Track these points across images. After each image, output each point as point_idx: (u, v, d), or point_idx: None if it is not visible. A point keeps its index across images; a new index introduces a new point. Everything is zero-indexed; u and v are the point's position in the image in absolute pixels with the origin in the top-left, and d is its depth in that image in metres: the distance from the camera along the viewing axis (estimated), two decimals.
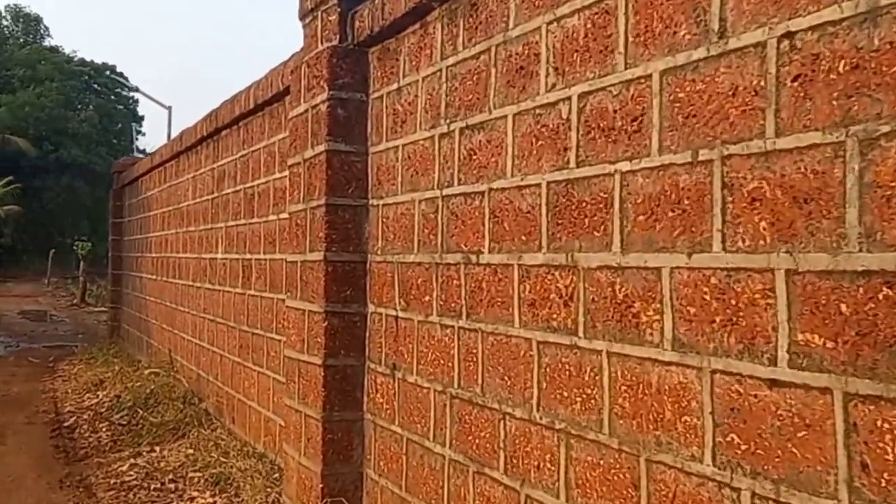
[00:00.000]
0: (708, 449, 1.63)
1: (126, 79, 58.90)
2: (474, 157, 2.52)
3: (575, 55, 2.08)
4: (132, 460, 4.88)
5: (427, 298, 2.79)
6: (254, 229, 4.96)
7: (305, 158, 3.44)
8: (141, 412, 5.93)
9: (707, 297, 1.65)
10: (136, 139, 58.11)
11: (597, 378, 1.96)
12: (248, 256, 5.07)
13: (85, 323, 16.55)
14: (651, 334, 1.80)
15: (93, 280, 25.11)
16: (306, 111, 3.45)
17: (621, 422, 1.87)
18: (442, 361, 2.68)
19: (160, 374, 7.02)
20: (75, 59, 55.88)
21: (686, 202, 1.72)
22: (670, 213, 1.76)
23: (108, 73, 57.71)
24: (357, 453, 3.25)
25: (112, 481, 4.54)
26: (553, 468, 2.11)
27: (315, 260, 3.30)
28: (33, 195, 46.08)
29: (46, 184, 47.91)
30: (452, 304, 2.63)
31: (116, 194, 10.77)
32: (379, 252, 3.15)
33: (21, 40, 56.57)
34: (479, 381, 2.46)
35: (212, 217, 5.96)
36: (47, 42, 57.97)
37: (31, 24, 58.14)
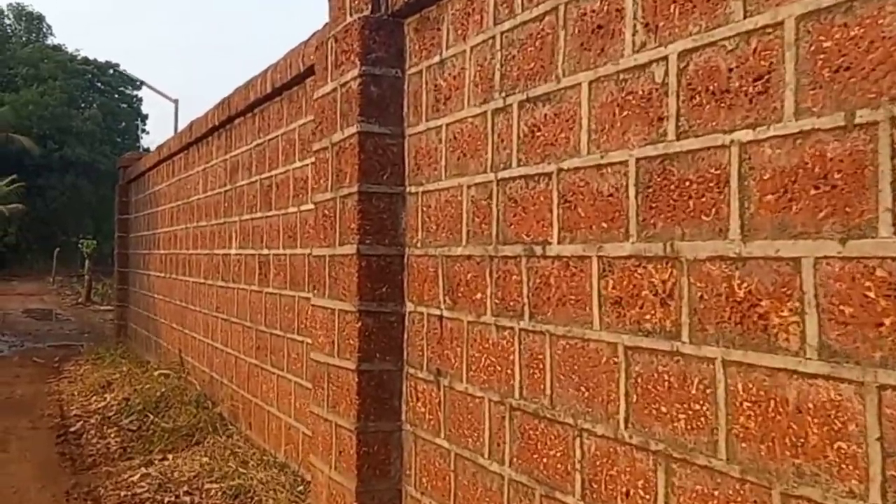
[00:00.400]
0: (875, 484, 1.30)
1: (130, 77, 58.76)
2: (538, 134, 2.20)
3: (672, 7, 1.75)
4: (143, 469, 4.56)
5: (479, 296, 2.47)
6: (271, 223, 4.64)
7: (334, 142, 3.12)
8: (151, 416, 5.62)
9: (871, 294, 1.32)
10: (141, 137, 58.04)
11: (708, 391, 1.63)
12: (265, 252, 4.75)
13: (91, 322, 16.27)
14: (786, 340, 1.47)
15: (98, 278, 24.83)
16: (334, 90, 3.13)
17: (744, 445, 1.55)
18: (499, 368, 2.36)
19: (170, 375, 6.71)
20: (78, 57, 55.68)
21: (837, 176, 1.39)
22: (813, 191, 1.43)
23: (111, 70, 57.47)
24: (395, 468, 2.93)
25: (122, 493, 4.23)
26: (648, 497, 1.78)
27: (346, 254, 2.98)
28: (37, 194, 45.86)
29: (50, 182, 47.70)
30: (511, 303, 2.30)
31: (122, 190, 10.46)
32: (419, 245, 2.83)
33: (24, 39, 56.36)
34: (548, 392, 2.13)
35: (225, 211, 5.64)
36: (50, 40, 57.77)
37: (34, 23, 57.93)
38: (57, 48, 55.59)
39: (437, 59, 2.73)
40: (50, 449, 5.41)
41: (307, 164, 4.10)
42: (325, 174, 3.20)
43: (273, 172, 4.64)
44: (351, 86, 2.98)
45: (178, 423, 5.32)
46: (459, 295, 2.57)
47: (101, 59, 57.38)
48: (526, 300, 2.24)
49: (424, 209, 2.80)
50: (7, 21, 56.22)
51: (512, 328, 2.30)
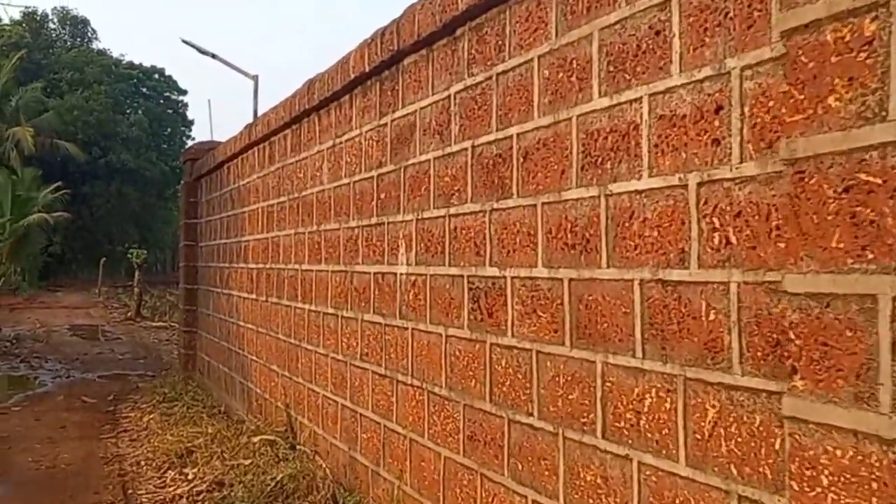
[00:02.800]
0: None
1: (175, 82, 57.66)
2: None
3: None
4: None
5: None
6: (505, 220, 2.57)
7: None
8: None
9: None
10: (186, 143, 56.81)
11: None
12: (487, 273, 2.68)
13: (144, 343, 14.39)
14: None
15: (145, 290, 23.00)
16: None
17: None
18: None
19: (278, 444, 4.66)
20: (123, 61, 54.67)
21: None
22: None
23: (157, 76, 56.40)
24: None
25: None
26: None
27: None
28: (82, 201, 44.66)
29: (95, 190, 46.52)
30: None
31: (189, 189, 8.49)
32: None
33: (68, 43, 55.49)
34: None
35: (379, 206, 3.60)
36: (95, 45, 56.85)
37: (79, 28, 57.06)
38: (102, 53, 54.61)
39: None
40: None
41: (618, 105, 2.04)
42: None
43: (511, 131, 2.56)
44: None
45: None
46: None
47: (147, 63, 56.28)
48: None
49: None
50: (52, 25, 55.36)
51: None
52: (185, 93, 58.03)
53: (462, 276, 2.89)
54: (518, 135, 2.55)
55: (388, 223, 3.54)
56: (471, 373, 2.82)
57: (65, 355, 12.17)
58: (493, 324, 2.68)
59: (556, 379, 2.32)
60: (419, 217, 3.24)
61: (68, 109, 46.25)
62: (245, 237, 6.28)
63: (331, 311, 4.28)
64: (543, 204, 2.40)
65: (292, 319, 4.99)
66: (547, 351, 2.38)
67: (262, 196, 5.80)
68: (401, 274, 3.40)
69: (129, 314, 20.81)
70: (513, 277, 2.57)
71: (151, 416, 6.64)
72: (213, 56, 13.15)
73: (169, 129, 55.06)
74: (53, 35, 55.80)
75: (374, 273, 3.68)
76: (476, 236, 2.80)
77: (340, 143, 4.18)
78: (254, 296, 5.98)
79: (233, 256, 6.72)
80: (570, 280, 2.27)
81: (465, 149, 2.88)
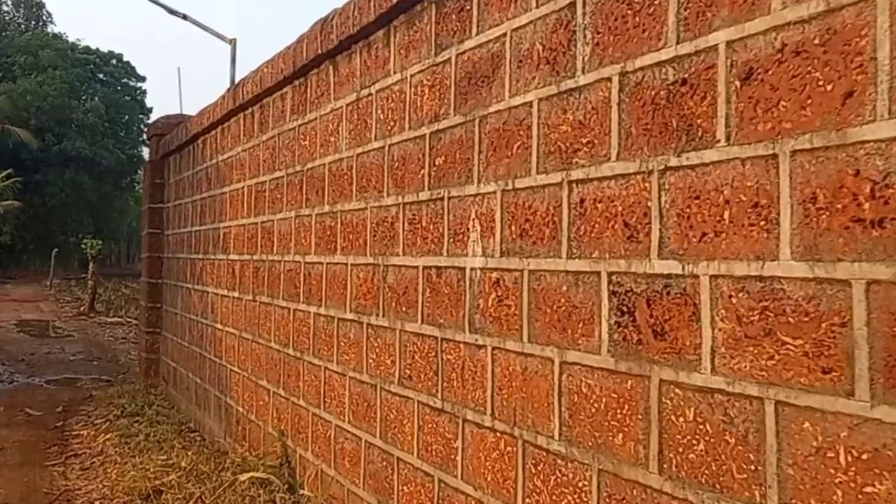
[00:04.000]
0: None
1: (133, 68, 55.80)
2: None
3: None
4: None
5: None
6: (695, 185, 1.58)
7: None
8: None
9: None
10: (144, 131, 54.91)
11: None
12: (655, 268, 1.68)
13: (98, 341, 13.14)
14: None
15: (99, 282, 21.57)
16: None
17: None
18: None
19: (273, 486, 3.62)
20: (80, 46, 52.71)
21: None
22: None
23: (114, 61, 54.56)
24: None
25: None
26: None
27: None
28: (34, 190, 42.78)
29: (48, 178, 44.64)
30: None
31: (154, 169, 7.35)
32: None
33: (22, 27, 53.36)
34: None
35: (436, 176, 2.60)
36: (50, 29, 54.78)
37: (33, 11, 55.02)
38: (57, 36, 52.59)
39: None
40: None
41: None
42: None
43: (713, 39, 1.56)
44: None
45: None
46: None
47: (104, 48, 54.28)
48: None
49: None
50: (5, 8, 53.23)
51: None
52: (143, 79, 56.30)
53: (598, 272, 1.88)
54: (732, 43, 1.54)
55: (451, 198, 2.52)
56: (615, 423, 1.81)
57: (9, 355, 10.91)
58: (668, 350, 1.67)
59: (826, 452, 1.33)
60: (508, 187, 2.23)
61: (21, 94, 44.31)
62: (225, 223, 5.20)
63: (350, 316, 3.24)
64: (797, 152, 1.40)
65: (291, 325, 3.94)
66: (802, 403, 1.38)
67: (248, 172, 4.73)
68: (473, 269, 2.39)
69: (81, 308, 19.43)
70: (714, 276, 1.56)
71: (108, 436, 5.52)
72: (185, 17, 11.94)
73: (126, 117, 53.20)
74: (7, 17, 53.64)
75: (425, 267, 2.66)
76: (626, 211, 1.80)
77: (368, 95, 3.14)
78: (236, 293, 4.91)
79: (208, 246, 5.63)
80: (869, 283, 1.28)
81: (606, 78, 1.87)
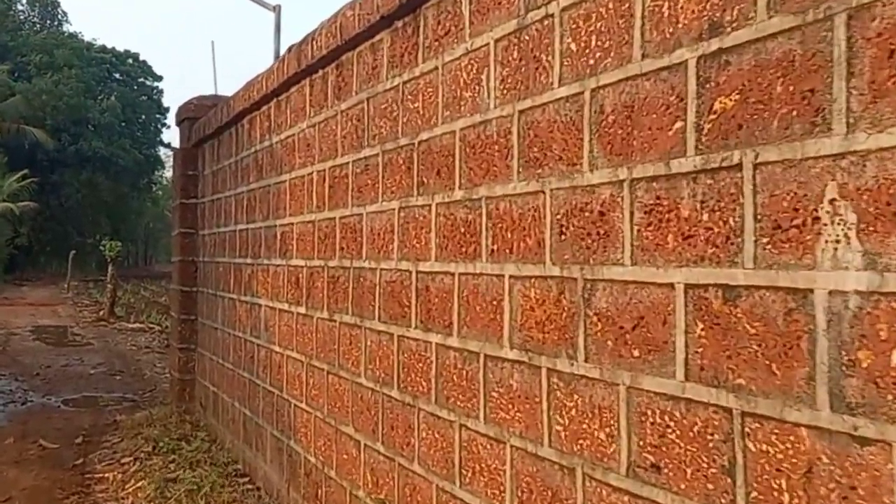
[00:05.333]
0: None
1: (150, 67, 55.08)
2: None
3: None
4: None
5: None
6: None
7: None
8: None
9: None
10: (161, 131, 54.22)
11: None
12: None
13: (120, 351, 12.12)
14: None
15: (118, 286, 20.59)
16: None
17: None
18: None
19: None
20: (95, 45, 52.03)
21: None
22: None
23: (130, 60, 53.86)
24: None
25: None
26: None
27: None
28: (51, 191, 41.97)
29: (65, 178, 43.85)
30: None
31: (186, 158, 6.30)
32: None
33: (37, 26, 52.71)
34: None
35: (711, 131, 1.46)
36: (66, 28, 54.11)
37: (48, 10, 54.32)
38: (72, 36, 51.92)
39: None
40: None
41: None
42: None
43: None
44: None
45: None
46: None
47: (120, 48, 53.61)
48: None
49: None
50: (20, 7, 52.53)
51: None
52: (159, 79, 55.53)
53: None
54: None
55: (765, 164, 1.41)
56: None
57: (24, 368, 9.92)
58: None
59: None
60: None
61: (37, 94, 43.56)
62: (284, 219, 4.13)
63: (510, 354, 2.15)
64: None
65: (395, 357, 2.86)
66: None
67: (319, 153, 3.65)
68: (839, 293, 1.28)
69: (101, 313, 18.45)
70: None
71: (139, 483, 4.47)
72: None
73: (143, 117, 52.50)
74: (22, 17, 52.95)
75: (693, 286, 1.56)
76: None
77: (543, 18, 2.05)
78: (301, 309, 3.83)
79: (258, 248, 4.57)
80: None
81: None
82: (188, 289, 6.25)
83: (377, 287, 3.03)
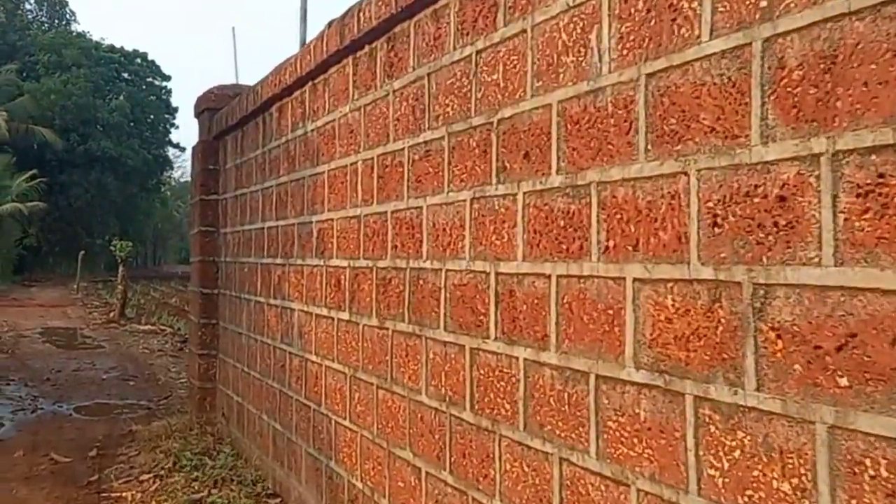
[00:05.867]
0: None
1: (158, 67, 54.78)
2: None
3: None
4: None
5: None
6: None
7: None
8: None
9: None
10: (170, 132, 53.93)
11: None
12: None
13: (132, 353, 11.74)
14: None
15: (128, 286, 20.20)
16: None
17: None
18: None
19: None
20: (104, 44, 51.75)
21: None
22: None
23: (139, 60, 53.55)
24: None
25: None
26: None
27: None
28: (59, 191, 41.69)
29: (74, 179, 43.56)
30: None
31: (205, 151, 5.90)
32: None
33: (45, 25, 52.49)
34: None
35: None
36: (74, 27, 53.87)
37: (56, 9, 54.08)
38: (80, 35, 51.65)
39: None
40: None
41: None
42: None
43: None
44: None
45: None
46: None
47: (133, 45, 53.33)
48: None
49: None
50: (28, 6, 52.34)
51: None
52: (168, 78, 55.21)
53: None
54: None
55: None
56: None
57: (33, 373, 9.54)
58: None
59: None
60: None
61: (45, 93, 43.33)
62: (321, 215, 3.71)
63: (637, 376, 1.75)
64: None
65: (466, 372, 2.44)
66: None
67: (365, 140, 3.24)
68: None
69: (111, 315, 18.09)
70: None
71: (159, 496, 4.05)
72: None
73: (152, 117, 52.19)
74: (30, 16, 52.74)
75: None
76: None
77: None
78: (343, 314, 3.42)
79: (289, 247, 4.16)
80: None
81: None
82: (209, 291, 5.84)
83: (442, 291, 2.61)
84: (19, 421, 6.75)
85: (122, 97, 47.75)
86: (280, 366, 4.32)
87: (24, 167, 36.64)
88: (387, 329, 3.02)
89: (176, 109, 53.78)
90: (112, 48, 52.24)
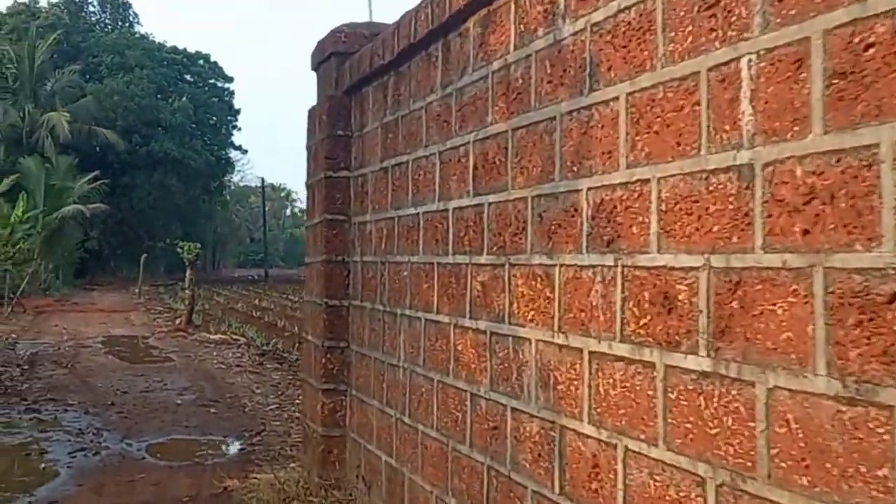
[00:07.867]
0: None
1: (221, 69, 54.13)
2: None
3: None
4: None
5: None
6: None
7: None
8: None
9: None
10: (233, 134, 53.19)
11: None
12: None
13: (206, 369, 10.23)
14: None
15: (195, 291, 18.86)
16: None
17: None
18: None
19: None
20: (167, 46, 51.30)
21: None
22: None
23: (201, 62, 52.95)
24: None
25: None
26: None
27: None
28: (121, 193, 40.98)
29: (136, 181, 42.88)
30: None
31: (333, 111, 4.29)
32: None
33: (109, 27, 52.23)
34: None
35: None
36: (137, 29, 53.54)
37: (120, 11, 53.80)
38: (143, 37, 51.26)
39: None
40: None
41: None
42: None
43: None
44: None
45: None
46: None
47: (191, 48, 52.84)
48: None
49: None
50: (92, 8, 52.10)
51: None
52: (230, 80, 54.50)
53: None
54: None
55: None
56: None
57: (95, 395, 8.09)
58: None
59: None
60: None
61: (108, 94, 42.82)
62: (600, 177, 2.03)
63: None
64: None
65: None
66: None
67: (721, 33, 1.52)
68: None
69: (178, 322, 16.76)
70: None
71: None
72: None
73: (214, 119, 51.52)
74: (93, 18, 52.51)
75: None
76: None
77: None
78: (686, 360, 1.74)
79: (519, 237, 2.50)
80: None
81: None
82: (335, 302, 4.24)
83: None
84: (79, 468, 5.23)
85: (184, 98, 47.09)
86: (491, 427, 2.67)
87: (86, 169, 36.02)
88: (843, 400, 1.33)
89: (238, 111, 53.05)
90: (175, 49, 51.77)
